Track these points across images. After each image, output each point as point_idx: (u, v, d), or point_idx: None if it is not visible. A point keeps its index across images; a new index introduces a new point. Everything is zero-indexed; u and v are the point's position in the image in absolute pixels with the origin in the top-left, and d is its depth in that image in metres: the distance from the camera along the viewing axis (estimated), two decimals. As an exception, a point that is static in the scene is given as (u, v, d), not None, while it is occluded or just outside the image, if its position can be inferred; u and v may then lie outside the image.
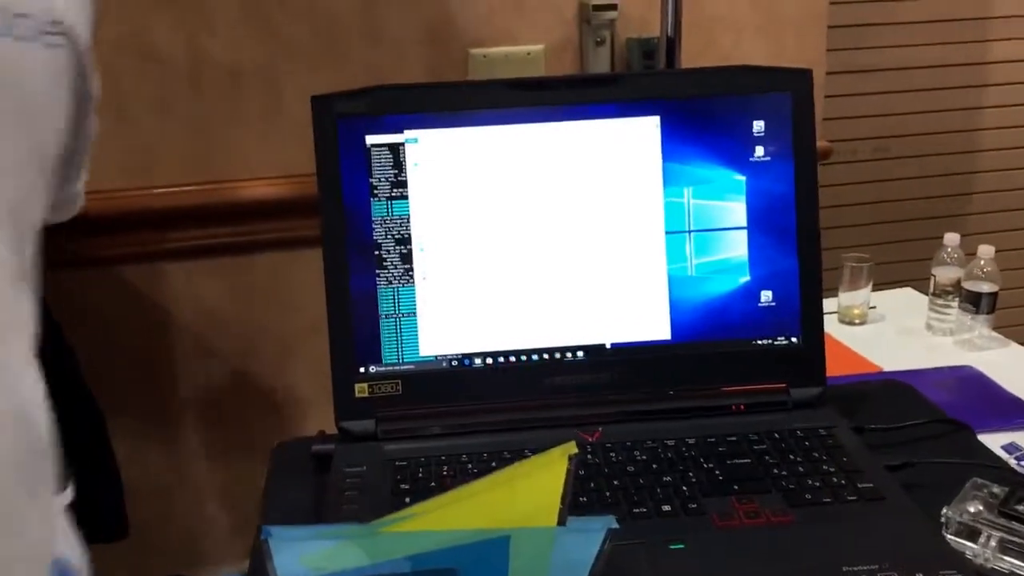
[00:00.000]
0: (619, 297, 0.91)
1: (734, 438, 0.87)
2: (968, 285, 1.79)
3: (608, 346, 0.92)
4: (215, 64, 1.66)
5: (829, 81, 1.94)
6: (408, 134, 0.89)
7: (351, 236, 0.89)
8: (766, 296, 0.92)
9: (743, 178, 0.91)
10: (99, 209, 1.65)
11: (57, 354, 1.32)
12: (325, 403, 1.78)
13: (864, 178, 2.17)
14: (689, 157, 0.91)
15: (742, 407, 0.91)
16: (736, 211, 0.91)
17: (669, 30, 1.21)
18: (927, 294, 1.88)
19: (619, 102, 0.90)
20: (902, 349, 1.75)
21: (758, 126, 0.91)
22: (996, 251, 1.77)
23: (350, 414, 0.90)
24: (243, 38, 1.65)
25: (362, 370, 0.90)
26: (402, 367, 0.90)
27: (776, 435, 0.87)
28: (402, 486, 0.82)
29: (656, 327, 0.92)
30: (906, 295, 2.01)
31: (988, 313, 1.79)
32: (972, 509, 0.74)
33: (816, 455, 0.84)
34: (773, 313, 0.92)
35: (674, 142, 0.90)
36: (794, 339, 0.92)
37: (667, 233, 0.91)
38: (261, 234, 1.76)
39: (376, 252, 0.89)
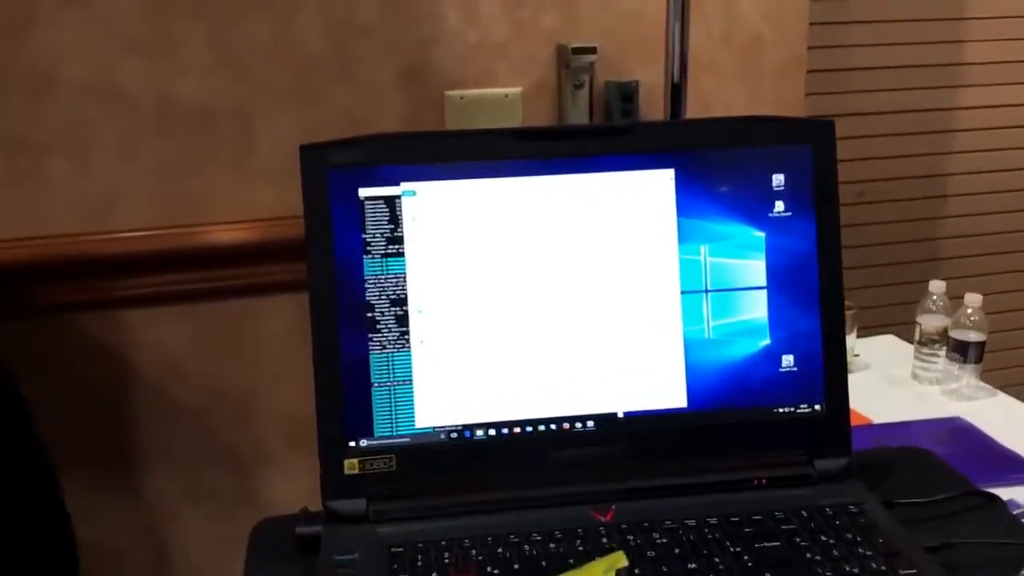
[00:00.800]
0: (632, 362, 0.85)
1: (759, 517, 0.80)
2: (955, 334, 1.76)
3: (620, 415, 0.85)
4: (184, 105, 1.59)
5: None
6: (405, 186, 0.82)
7: (342, 296, 0.81)
8: (787, 360, 0.86)
9: (762, 234, 0.85)
10: (57, 254, 1.57)
11: (7, 404, 1.24)
12: (293, 457, 1.70)
13: (844, 222, 2.15)
14: (705, 212, 0.85)
15: (763, 481, 0.85)
16: (755, 270, 0.85)
17: (675, 76, 1.16)
18: (910, 341, 1.84)
19: (631, 154, 0.84)
20: (889, 399, 1.71)
21: (778, 180, 0.85)
22: (981, 295, 1.74)
23: (339, 492, 0.82)
24: (214, 79, 1.59)
25: (352, 444, 0.82)
26: (396, 440, 0.82)
27: (804, 513, 0.81)
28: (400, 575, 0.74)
29: (672, 394, 0.85)
30: (890, 342, 1.97)
31: (976, 362, 1.76)
32: (1031, 601, 0.68)
33: (849, 536, 0.78)
34: (795, 379, 0.86)
35: (689, 196, 0.84)
36: (817, 406, 0.86)
37: (683, 293, 0.85)
38: (226, 280, 1.69)
39: (369, 314, 0.82)
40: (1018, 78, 2.21)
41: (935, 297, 1.81)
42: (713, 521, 0.80)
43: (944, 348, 1.78)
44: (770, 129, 0.86)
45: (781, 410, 0.86)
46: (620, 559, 0.47)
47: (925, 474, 0.93)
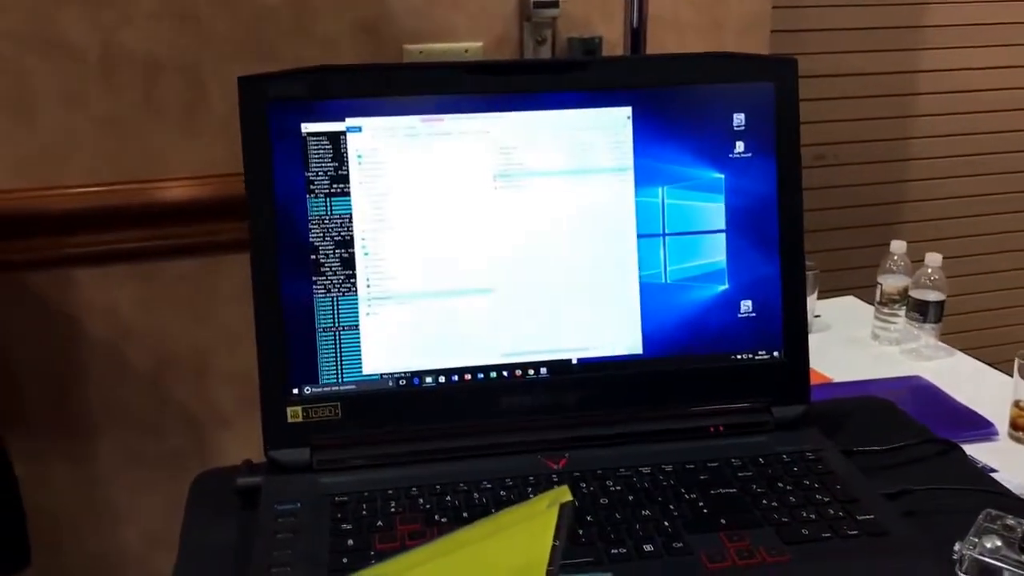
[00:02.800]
0: (586, 308, 0.82)
1: (715, 464, 0.78)
2: (915, 294, 1.76)
3: (574, 362, 0.82)
4: (131, 57, 1.53)
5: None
6: (350, 122, 0.78)
7: (284, 238, 0.78)
8: (746, 306, 0.84)
9: (722, 176, 0.82)
10: None
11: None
12: (248, 419, 1.67)
13: (804, 185, 2.13)
14: (664, 152, 0.82)
15: (720, 428, 0.83)
16: (714, 212, 0.83)
17: (634, 21, 1.12)
18: (871, 303, 1.84)
19: (588, 90, 0.81)
20: (849, 359, 1.71)
21: (738, 119, 0.82)
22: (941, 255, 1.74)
23: (281, 442, 0.78)
24: (162, 29, 1.53)
25: (295, 392, 0.79)
26: (342, 388, 0.79)
27: (761, 460, 0.79)
28: (343, 526, 0.71)
29: (627, 341, 0.82)
30: (850, 303, 1.97)
31: (935, 322, 1.76)
32: (989, 545, 0.66)
33: (807, 483, 0.76)
34: (753, 325, 0.84)
35: (647, 135, 0.81)
36: (776, 353, 0.84)
37: (639, 236, 0.82)
38: (179, 238, 1.64)
39: (313, 256, 0.78)
40: (979, 41, 2.20)
41: (896, 257, 1.80)
42: (668, 468, 0.77)
43: (904, 308, 1.78)
44: (731, 66, 0.83)
45: (739, 357, 0.84)
46: (564, 493, 0.45)
47: (884, 423, 0.92)
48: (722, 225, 0.83)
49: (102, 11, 1.50)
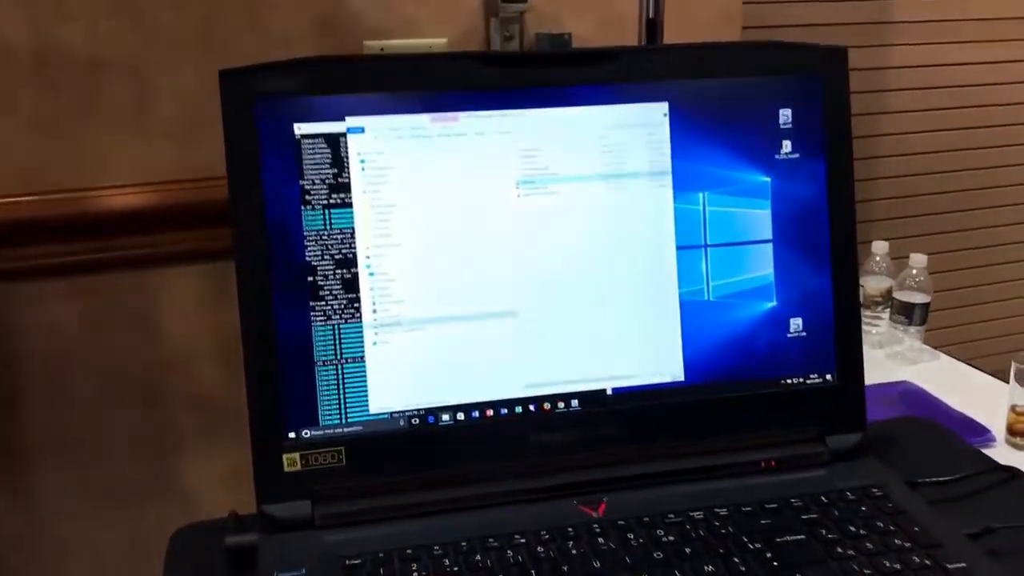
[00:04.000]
0: (621, 331, 0.72)
1: (774, 505, 0.69)
2: (900, 296, 1.70)
3: (609, 392, 0.72)
4: (69, 55, 1.40)
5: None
6: (351, 122, 0.67)
7: (275, 257, 0.67)
8: (795, 324, 0.75)
9: (768, 179, 0.73)
10: (-79, 223, 1.38)
11: None
12: (205, 443, 1.54)
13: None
14: (704, 153, 0.72)
15: (772, 463, 0.74)
16: (760, 221, 0.74)
17: (650, 11, 1.03)
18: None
19: (620, 83, 0.71)
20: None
21: (785, 116, 0.73)
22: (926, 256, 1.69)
23: (277, 494, 0.67)
24: (105, 25, 1.40)
25: (292, 435, 0.68)
26: (346, 430, 0.68)
27: (824, 499, 0.70)
28: (360, 596, 0.60)
29: (667, 366, 0.73)
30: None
31: (920, 324, 1.71)
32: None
33: (880, 525, 0.67)
34: (804, 345, 0.75)
35: (685, 134, 0.72)
36: (828, 376, 0.76)
37: (679, 248, 0.73)
38: (125, 250, 1.51)
39: (310, 278, 0.67)
40: (953, 37, 2.17)
41: (878, 258, 1.75)
42: (723, 512, 0.68)
43: (888, 310, 1.72)
44: (776, 56, 0.74)
45: (789, 381, 0.75)
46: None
47: (936, 447, 0.84)
48: (769, 235, 0.74)
49: (36, 5, 1.36)
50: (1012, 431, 1.44)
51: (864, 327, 1.74)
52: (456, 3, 1.61)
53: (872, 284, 1.74)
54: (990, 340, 2.33)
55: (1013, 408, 1.44)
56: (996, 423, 1.44)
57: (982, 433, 1.44)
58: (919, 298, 1.69)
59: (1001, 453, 1.41)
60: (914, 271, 1.70)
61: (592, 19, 1.62)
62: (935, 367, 1.69)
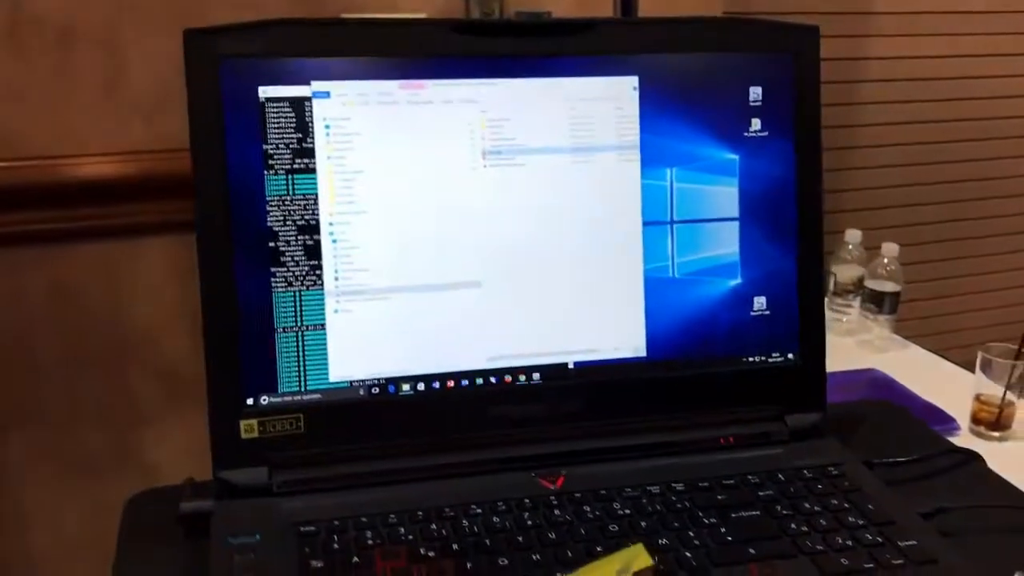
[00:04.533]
0: (584, 304, 0.72)
1: (731, 481, 0.69)
2: (871, 284, 1.71)
3: (570, 366, 0.72)
4: (37, 20, 1.37)
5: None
6: (316, 86, 0.66)
7: (237, 222, 0.66)
8: (759, 303, 0.75)
9: (736, 157, 0.73)
10: None
11: None
12: (171, 415, 1.53)
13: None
14: (673, 128, 0.72)
15: (731, 440, 0.74)
16: (727, 198, 0.74)
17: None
18: (825, 292, 1.79)
19: (590, 56, 0.71)
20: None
21: (755, 93, 0.73)
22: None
23: (233, 460, 0.67)
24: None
25: (250, 402, 0.67)
26: (305, 397, 0.68)
27: (780, 476, 0.70)
28: (313, 563, 0.60)
29: (630, 342, 0.73)
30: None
31: (890, 314, 1.72)
32: (1057, 576, 0.59)
33: (835, 503, 0.67)
34: (767, 324, 0.75)
35: (655, 108, 0.72)
36: (791, 355, 0.76)
37: (645, 224, 0.72)
38: (94, 219, 1.49)
39: (271, 244, 0.67)
40: (924, 29, 2.17)
41: (851, 247, 1.75)
42: (680, 487, 0.68)
43: (858, 299, 1.73)
44: (748, 33, 0.74)
45: (751, 359, 0.75)
46: (640, 556, 0.35)
47: (896, 430, 0.84)
48: (735, 212, 0.74)
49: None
50: (976, 420, 1.45)
51: (835, 315, 1.76)
52: None
53: (844, 272, 1.74)
54: (960, 331, 2.35)
55: (978, 397, 1.45)
56: (962, 412, 1.45)
57: (947, 421, 1.45)
58: (889, 287, 1.70)
59: (964, 441, 1.42)
60: (885, 260, 1.71)
61: (571, -4, 1.60)
62: (903, 356, 1.70)
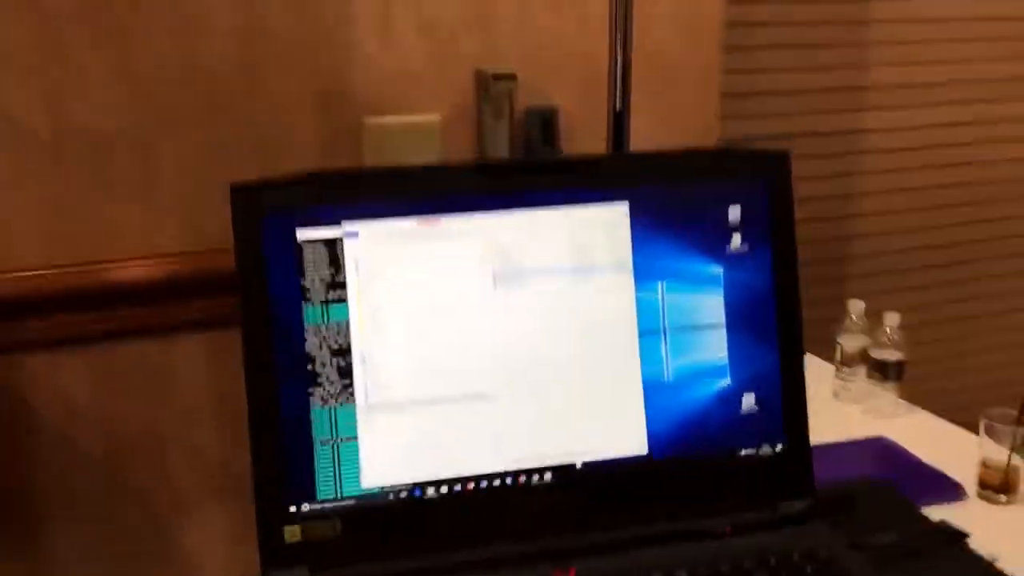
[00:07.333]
0: (589, 409, 0.80)
1: (726, 567, 0.77)
2: (875, 354, 1.77)
3: (579, 465, 0.80)
4: (81, 131, 1.48)
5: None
6: (347, 227, 0.76)
7: (279, 347, 0.75)
8: (748, 401, 0.83)
9: (720, 270, 0.82)
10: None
11: None
12: (211, 506, 1.59)
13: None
14: (662, 248, 0.81)
15: (728, 530, 0.81)
16: (714, 307, 0.82)
17: (617, 104, 1.12)
18: (829, 360, 1.85)
19: (585, 188, 0.80)
20: (812, 419, 1.71)
21: (734, 213, 0.82)
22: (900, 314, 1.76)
23: (279, 563, 0.75)
24: (113, 100, 1.49)
25: (292, 509, 0.75)
26: (341, 503, 0.76)
27: (772, 562, 0.77)
28: (354, 655, 0.68)
29: (632, 441, 0.81)
30: (810, 362, 1.98)
31: (896, 380, 1.78)
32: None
33: (823, 585, 0.75)
34: (756, 419, 0.83)
35: (645, 231, 0.81)
36: (779, 446, 0.83)
37: (641, 334, 0.81)
38: (134, 320, 1.58)
39: (309, 366, 0.76)
40: (920, 101, 2.26)
41: (855, 317, 1.82)
42: (682, 574, 0.76)
43: (864, 367, 1.79)
44: (725, 161, 0.83)
45: (743, 453, 0.83)
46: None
47: (885, 509, 0.91)
48: (722, 319, 0.82)
49: (50, 83, 1.45)
50: (983, 484, 1.50)
51: (842, 383, 1.82)
52: (448, 81, 1.70)
53: (849, 342, 1.81)
54: (967, 393, 2.40)
55: (983, 462, 1.51)
56: (970, 475, 1.50)
57: (953, 488, 1.50)
58: (893, 356, 1.76)
59: (971, 507, 1.47)
60: (888, 329, 1.77)
61: (576, 85, 1.69)
62: (911, 422, 1.75)
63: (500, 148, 1.72)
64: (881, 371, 1.76)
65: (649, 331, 0.81)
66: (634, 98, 1.82)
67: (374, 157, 1.62)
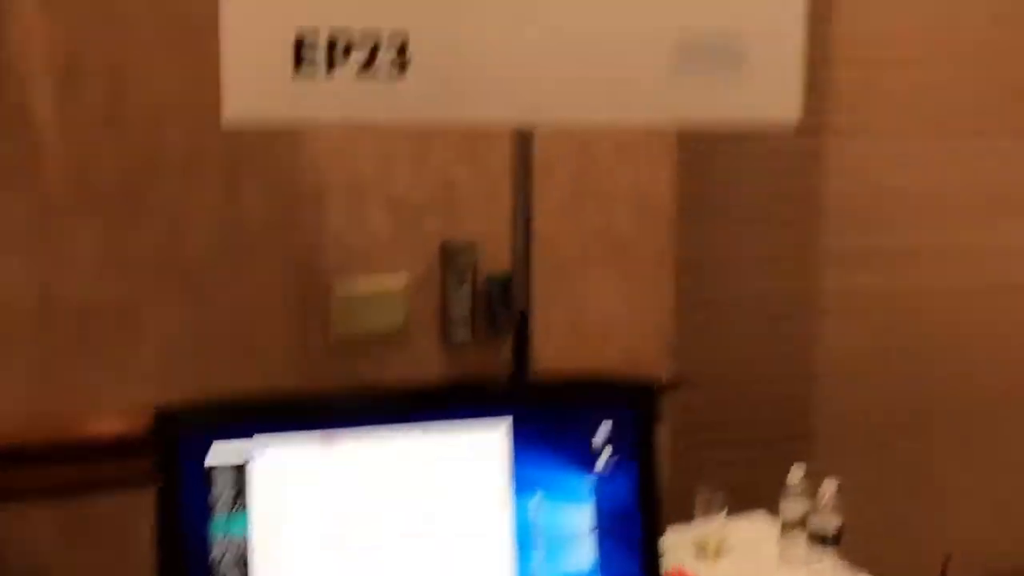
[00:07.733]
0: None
1: None
2: (815, 521, 1.82)
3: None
4: (66, 303, 1.59)
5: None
6: (256, 443, 0.87)
7: (189, 551, 0.85)
8: (615, 602, 0.92)
9: (591, 484, 0.92)
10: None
11: None
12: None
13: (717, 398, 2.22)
14: (539, 460, 0.92)
15: None
16: (584, 515, 0.92)
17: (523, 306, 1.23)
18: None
19: (470, 407, 0.91)
20: (760, 582, 1.75)
21: (605, 430, 0.93)
22: (840, 475, 1.81)
23: None
24: (99, 276, 1.58)
25: None
26: None
27: None
28: None
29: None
30: (761, 521, 2.02)
31: (835, 544, 1.82)
32: None
33: None
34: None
35: (524, 445, 0.92)
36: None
37: (517, 544, 0.91)
38: (101, 474, 1.65)
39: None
40: (876, 263, 2.33)
41: (795, 484, 1.87)
42: None
43: (805, 533, 1.84)
44: (598, 388, 0.95)
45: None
46: None
47: None
48: (592, 526, 0.92)
49: (40, 260, 1.56)
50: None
51: (787, 547, 1.87)
52: (415, 248, 1.80)
53: (790, 509, 1.85)
54: (910, 555, 2.40)
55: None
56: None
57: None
58: (831, 523, 1.81)
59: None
60: (826, 496, 1.82)
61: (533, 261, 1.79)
62: (853, 585, 1.79)
63: (462, 311, 1.83)
64: (820, 537, 1.81)
65: (525, 538, 0.91)
66: (590, 269, 1.91)
67: (343, 324, 1.73)
